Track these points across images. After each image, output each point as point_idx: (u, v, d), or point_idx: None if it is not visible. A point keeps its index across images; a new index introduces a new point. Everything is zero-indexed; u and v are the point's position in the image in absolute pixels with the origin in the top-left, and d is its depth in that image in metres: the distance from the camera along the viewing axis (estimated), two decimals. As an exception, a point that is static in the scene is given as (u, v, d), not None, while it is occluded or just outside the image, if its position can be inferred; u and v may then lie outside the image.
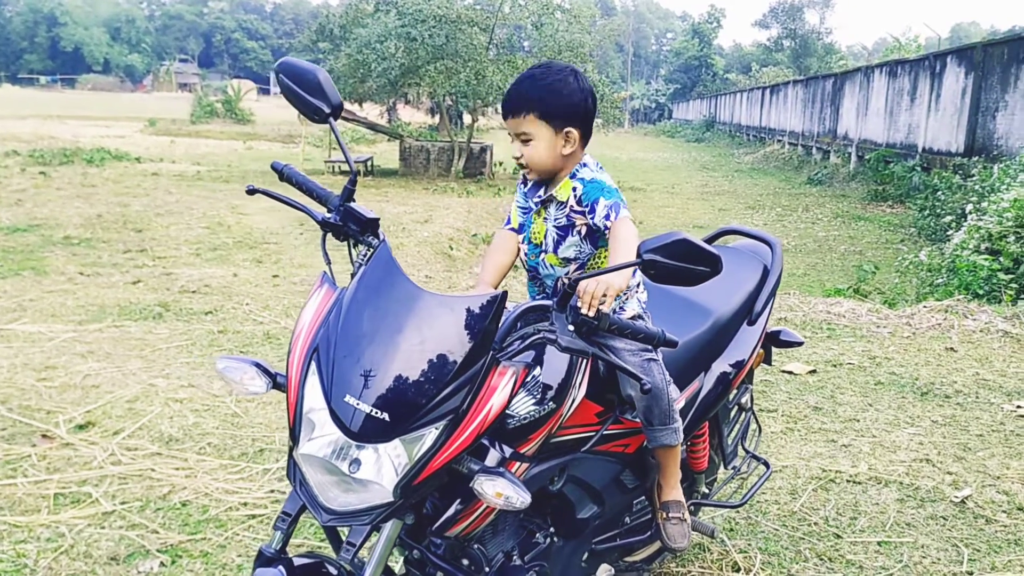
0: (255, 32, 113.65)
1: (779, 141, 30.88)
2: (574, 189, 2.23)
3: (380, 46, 16.52)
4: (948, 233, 10.89)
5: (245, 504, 3.41)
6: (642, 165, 26.55)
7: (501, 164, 20.33)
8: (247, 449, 3.94)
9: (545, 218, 2.30)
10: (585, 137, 2.24)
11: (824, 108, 25.37)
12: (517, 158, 2.25)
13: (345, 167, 19.22)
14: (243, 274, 7.84)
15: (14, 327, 5.70)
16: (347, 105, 22.03)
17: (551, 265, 2.31)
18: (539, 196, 2.33)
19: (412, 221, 11.96)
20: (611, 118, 21.43)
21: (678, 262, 1.72)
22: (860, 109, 21.83)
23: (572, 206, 2.24)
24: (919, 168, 16.82)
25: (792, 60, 57.40)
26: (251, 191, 2.04)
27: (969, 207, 10.33)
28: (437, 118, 26.39)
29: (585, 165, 2.29)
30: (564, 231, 2.27)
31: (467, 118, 21.54)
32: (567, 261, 2.29)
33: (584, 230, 2.24)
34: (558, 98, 2.18)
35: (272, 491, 3.54)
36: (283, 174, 2.10)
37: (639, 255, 1.73)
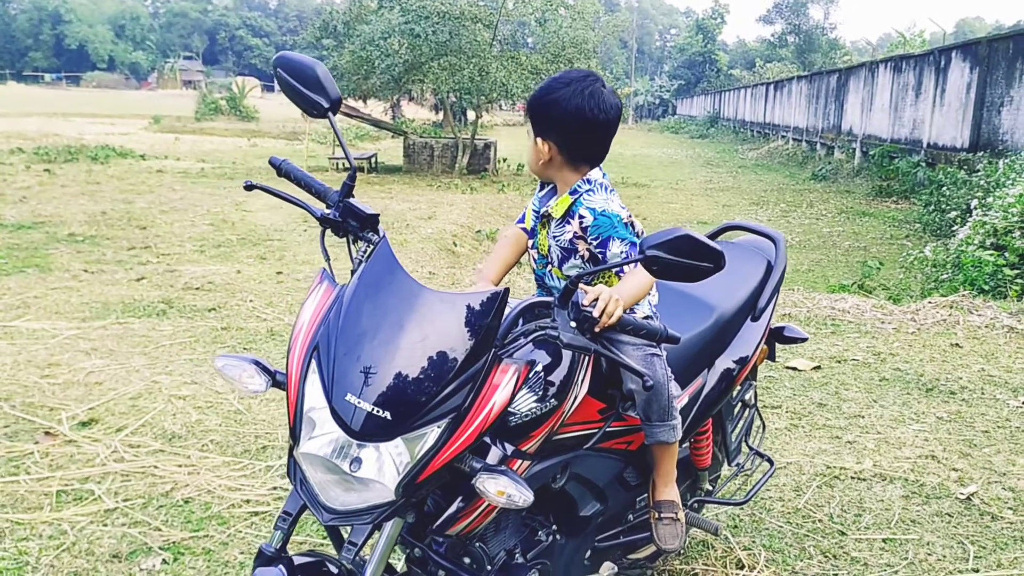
0: (259, 29, 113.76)
1: (783, 137, 30.79)
2: (581, 217, 2.14)
3: (383, 43, 16.52)
4: (953, 229, 10.84)
5: (248, 501, 3.40)
6: (646, 161, 26.49)
7: (505, 161, 20.32)
8: (250, 446, 3.94)
9: (548, 233, 2.25)
10: (576, 150, 2.16)
11: (828, 104, 25.28)
12: None
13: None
14: (247, 271, 7.83)
15: (18, 324, 5.70)
16: (351, 102, 22.01)
17: (557, 278, 2.27)
18: (547, 206, 2.25)
19: (416, 218, 11.95)
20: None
21: (680, 258, 1.70)
22: (864, 105, 21.74)
23: (576, 231, 2.16)
24: (924, 163, 16.75)
25: (796, 56, 57.25)
26: (249, 187, 2.01)
27: (974, 202, 10.28)
28: (441, 115, 26.35)
29: (590, 183, 2.18)
30: (567, 253, 2.21)
31: (471, 115, 21.48)
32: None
33: (587, 255, 2.17)
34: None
35: (275, 488, 3.53)
36: (281, 169, 2.07)
37: (641, 251, 1.72)
